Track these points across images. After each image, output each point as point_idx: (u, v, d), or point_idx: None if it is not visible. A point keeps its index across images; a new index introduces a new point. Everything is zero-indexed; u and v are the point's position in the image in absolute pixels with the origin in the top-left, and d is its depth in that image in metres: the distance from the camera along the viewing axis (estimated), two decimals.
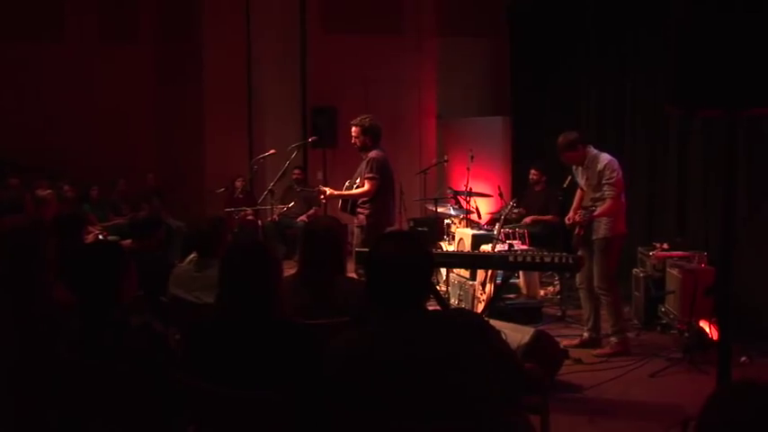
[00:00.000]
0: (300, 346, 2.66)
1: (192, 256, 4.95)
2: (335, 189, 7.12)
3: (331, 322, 3.32)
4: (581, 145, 6.09)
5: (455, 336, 2.39)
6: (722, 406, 1.60)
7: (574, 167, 6.28)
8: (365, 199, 6.78)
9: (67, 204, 9.59)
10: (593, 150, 6.12)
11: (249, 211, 9.22)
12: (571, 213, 6.31)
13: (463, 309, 6.58)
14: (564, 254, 5.46)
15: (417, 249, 2.53)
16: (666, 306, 6.71)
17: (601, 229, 5.98)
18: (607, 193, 5.93)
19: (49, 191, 7.94)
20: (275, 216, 8.89)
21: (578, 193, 6.38)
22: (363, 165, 6.81)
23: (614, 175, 5.94)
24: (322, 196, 7.03)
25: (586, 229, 5.98)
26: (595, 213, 5.90)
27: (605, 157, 6.04)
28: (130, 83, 11.63)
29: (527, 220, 8.43)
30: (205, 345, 2.72)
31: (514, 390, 2.71)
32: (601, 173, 5.98)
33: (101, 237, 5.59)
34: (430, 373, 2.28)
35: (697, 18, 3.02)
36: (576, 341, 6.33)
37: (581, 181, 6.24)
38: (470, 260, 6.27)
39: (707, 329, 5.92)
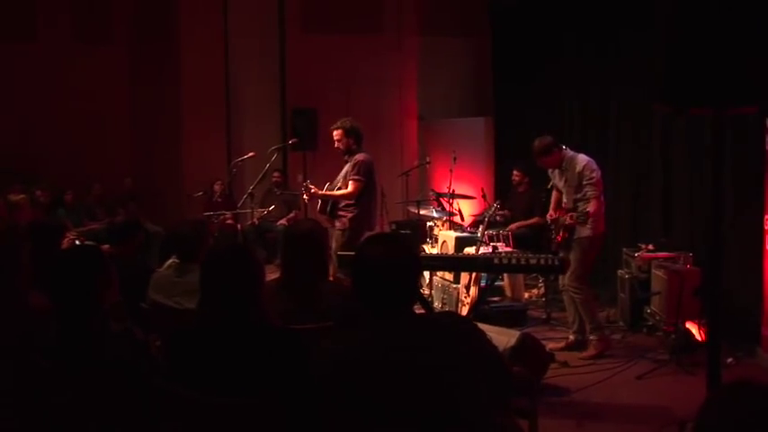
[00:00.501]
0: (285, 351, 2.65)
1: (170, 260, 4.92)
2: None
3: (315, 327, 3.30)
4: (556, 148, 6.16)
5: (444, 339, 2.39)
6: (720, 407, 1.61)
7: (550, 170, 6.34)
8: (349, 202, 6.79)
9: (41, 209, 9.51)
10: (569, 152, 6.19)
11: (228, 214, 9.18)
12: (551, 212, 6.35)
13: (451, 312, 6.59)
14: (549, 255, 5.48)
15: (405, 251, 2.53)
16: (652, 307, 6.75)
17: (585, 229, 6.03)
18: (590, 193, 6.00)
19: (21, 195, 7.88)
20: (255, 220, 8.87)
21: (554, 194, 6.44)
22: (349, 167, 6.82)
23: (594, 174, 6.04)
24: (305, 194, 6.98)
25: (570, 230, 6.04)
26: (591, 212, 5.93)
27: (583, 158, 6.12)
28: (105, 84, 11.51)
29: (512, 226, 8.43)
30: (188, 351, 2.70)
31: (503, 393, 2.71)
32: (580, 174, 6.05)
33: (77, 242, 5.53)
34: (420, 376, 2.28)
35: (685, 16, 3.05)
36: (561, 344, 6.35)
37: (559, 183, 6.29)
38: (455, 263, 6.27)
39: (693, 331, 5.97)
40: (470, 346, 2.44)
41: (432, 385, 2.28)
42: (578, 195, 6.06)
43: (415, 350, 2.32)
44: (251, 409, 2.54)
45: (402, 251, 2.51)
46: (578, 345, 6.29)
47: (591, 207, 5.96)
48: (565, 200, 6.23)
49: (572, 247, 6.08)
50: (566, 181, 6.17)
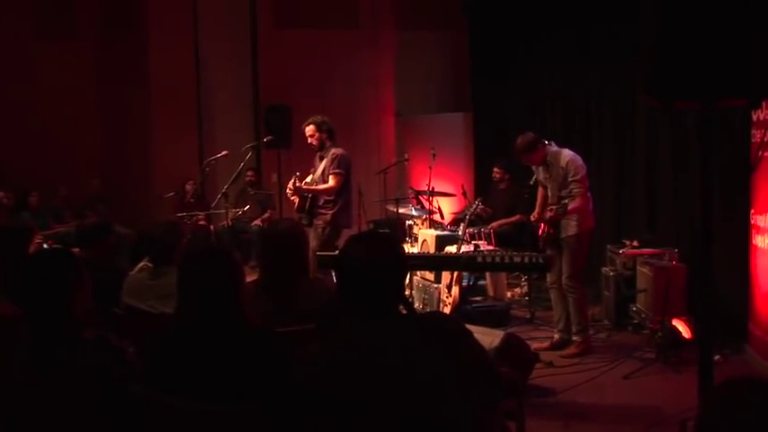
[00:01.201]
0: (268, 354, 2.63)
1: (142, 263, 4.86)
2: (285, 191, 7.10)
3: (297, 329, 3.29)
4: (540, 144, 6.16)
5: (433, 340, 2.38)
6: (721, 404, 1.61)
7: (534, 167, 6.34)
8: (328, 198, 6.81)
9: (4, 212, 9.39)
10: (553, 147, 6.20)
11: (201, 215, 9.11)
12: (537, 210, 6.36)
13: (438, 311, 6.59)
14: (534, 253, 5.49)
15: (390, 250, 2.51)
16: (638, 305, 6.79)
17: (570, 227, 6.05)
18: (575, 190, 6.01)
19: None
20: (229, 221, 8.82)
21: (540, 191, 6.45)
22: (327, 161, 6.84)
23: (580, 171, 6.04)
24: (290, 187, 6.96)
25: (555, 227, 6.05)
26: (570, 208, 5.95)
27: (567, 153, 6.13)
28: (70, 82, 11.34)
29: (493, 225, 8.43)
30: (166, 356, 2.67)
31: (493, 394, 2.71)
32: (565, 169, 6.05)
33: (45, 246, 5.47)
34: (408, 378, 2.27)
35: (673, 8, 3.06)
36: (546, 344, 6.37)
37: (544, 179, 6.29)
38: (437, 262, 6.26)
39: (680, 328, 6.00)
40: (459, 347, 2.43)
41: (420, 388, 2.27)
42: (563, 192, 6.06)
43: (402, 352, 2.31)
44: (234, 415, 2.52)
45: (387, 250, 2.50)
46: (563, 344, 6.31)
47: (574, 203, 5.97)
48: (549, 195, 6.24)
49: (561, 246, 6.10)
50: (550, 176, 6.18)
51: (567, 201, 6.01)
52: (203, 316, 2.67)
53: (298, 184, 6.86)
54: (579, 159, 6.11)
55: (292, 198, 7.05)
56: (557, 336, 6.38)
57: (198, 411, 2.54)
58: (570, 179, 6.02)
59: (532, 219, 6.38)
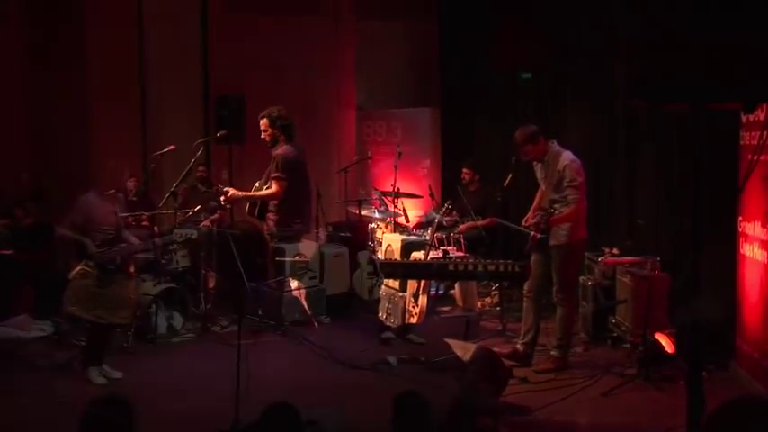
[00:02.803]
0: None
1: (79, 267, 4.82)
2: (242, 190, 7.06)
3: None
4: (542, 138, 6.20)
5: None
6: (723, 424, 1.66)
7: (534, 163, 6.38)
8: (275, 201, 6.79)
9: None
10: (555, 146, 6.25)
11: (146, 216, 9.02)
12: (530, 214, 6.38)
13: None
14: (509, 261, 5.52)
15: None
16: (617, 317, 6.86)
17: (560, 235, 6.11)
18: (570, 197, 6.07)
19: None
20: (177, 221, 8.74)
21: (539, 192, 6.49)
22: (271, 164, 6.84)
23: (577, 177, 6.10)
24: (222, 198, 6.98)
25: (543, 233, 6.08)
26: (552, 219, 6.00)
27: (567, 157, 6.17)
28: None
29: (461, 228, 8.44)
30: None
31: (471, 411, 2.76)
32: (561, 173, 6.10)
33: None
34: None
35: (664, 8, 3.12)
36: (506, 350, 6.41)
37: (541, 179, 6.34)
38: (405, 269, 6.28)
39: (663, 342, 6.08)
40: None
41: None
42: (557, 196, 6.11)
43: None
44: None
45: None
46: (526, 357, 6.36)
47: (561, 213, 6.01)
48: (545, 199, 6.27)
49: (550, 255, 6.16)
50: (545, 177, 6.23)
51: (557, 206, 6.05)
52: None
53: (231, 194, 6.89)
54: (578, 163, 6.15)
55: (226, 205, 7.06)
56: (520, 347, 6.42)
57: None
58: (566, 185, 6.07)
59: (524, 223, 6.39)
